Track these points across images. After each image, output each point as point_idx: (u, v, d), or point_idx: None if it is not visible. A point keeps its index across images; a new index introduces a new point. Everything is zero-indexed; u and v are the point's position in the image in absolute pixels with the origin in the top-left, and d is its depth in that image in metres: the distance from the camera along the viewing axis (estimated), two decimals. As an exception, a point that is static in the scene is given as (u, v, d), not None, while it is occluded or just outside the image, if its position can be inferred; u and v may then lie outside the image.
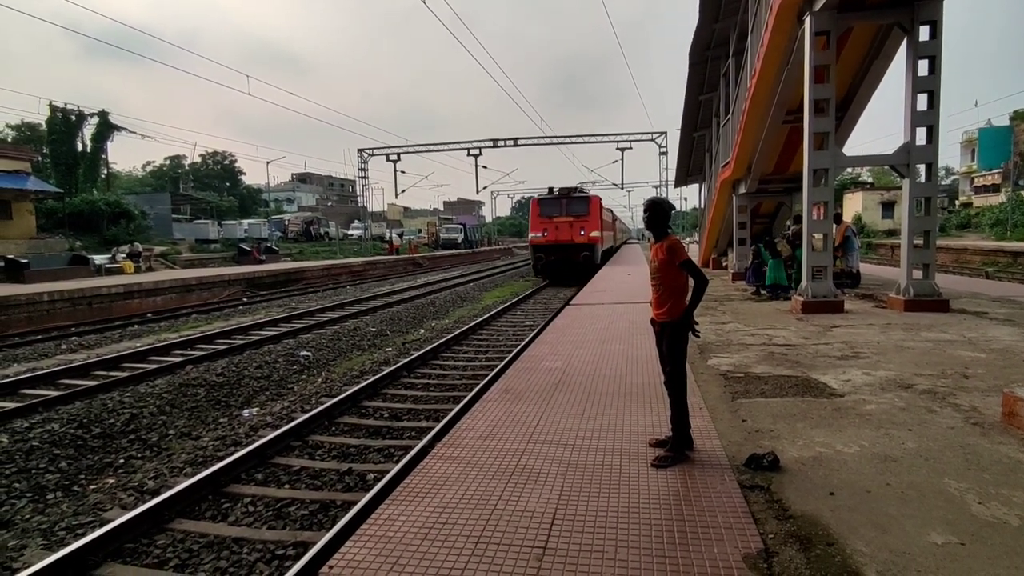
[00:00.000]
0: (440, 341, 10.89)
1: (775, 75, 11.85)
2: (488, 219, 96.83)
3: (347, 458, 5.77)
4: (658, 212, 4.06)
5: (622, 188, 52.51)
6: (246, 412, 7.53)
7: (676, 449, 3.92)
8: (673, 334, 3.94)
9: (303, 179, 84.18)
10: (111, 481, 5.54)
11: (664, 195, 56.45)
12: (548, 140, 40.65)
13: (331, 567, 2.75)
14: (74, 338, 13.20)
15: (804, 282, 10.54)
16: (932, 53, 9.72)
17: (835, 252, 13.70)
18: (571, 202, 23.03)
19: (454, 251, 52.56)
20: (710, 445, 4.13)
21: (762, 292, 13.36)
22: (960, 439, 4.12)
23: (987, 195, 46.41)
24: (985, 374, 5.81)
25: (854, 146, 57.40)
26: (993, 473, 3.55)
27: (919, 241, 10.25)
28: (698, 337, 4.05)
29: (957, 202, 53.10)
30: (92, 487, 5.43)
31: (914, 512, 3.11)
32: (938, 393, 5.23)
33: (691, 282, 3.94)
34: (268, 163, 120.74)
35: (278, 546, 4.10)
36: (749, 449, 3.99)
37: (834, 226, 13.93)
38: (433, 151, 42.57)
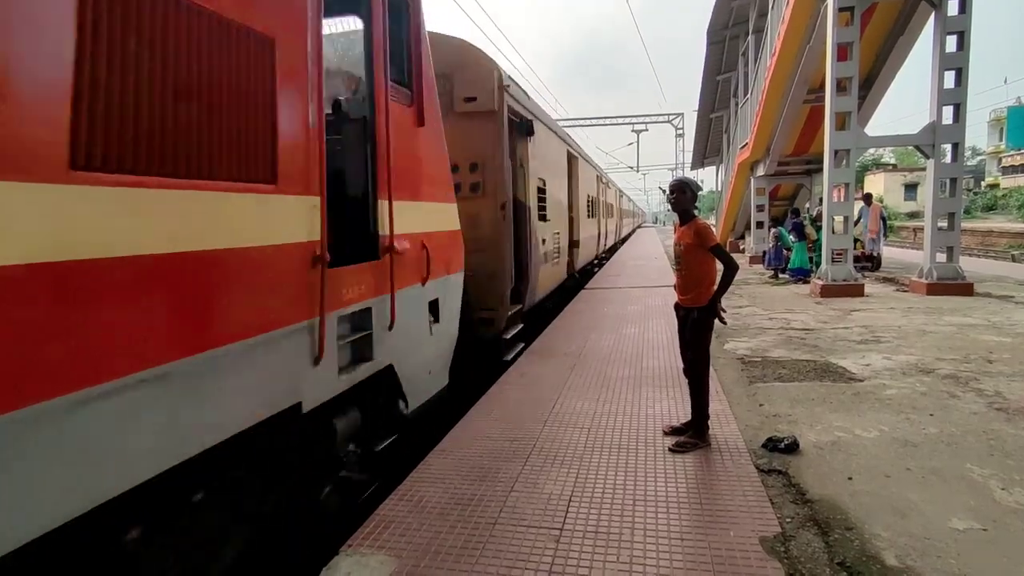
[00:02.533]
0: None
1: (796, 53, 11.58)
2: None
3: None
4: (686, 192, 3.93)
5: (637, 171, 52.06)
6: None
7: (697, 435, 3.89)
8: (699, 320, 3.89)
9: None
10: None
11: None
12: (564, 122, 40.29)
13: (349, 545, 2.80)
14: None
15: (824, 265, 10.39)
16: (961, 28, 9.41)
17: (872, 234, 13.52)
18: None
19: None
20: (727, 429, 4.12)
21: (781, 276, 13.18)
22: (983, 424, 4.05)
23: (1015, 176, 45.15)
24: (1010, 359, 5.69)
25: (877, 126, 55.92)
26: (1017, 459, 3.49)
27: (943, 223, 10.03)
28: (724, 324, 3.99)
29: (983, 183, 51.75)
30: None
31: (935, 498, 3.07)
32: (961, 378, 5.14)
33: (719, 267, 3.86)
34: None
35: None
36: (766, 434, 3.97)
37: (864, 207, 13.77)
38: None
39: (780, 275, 13.25)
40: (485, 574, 2.54)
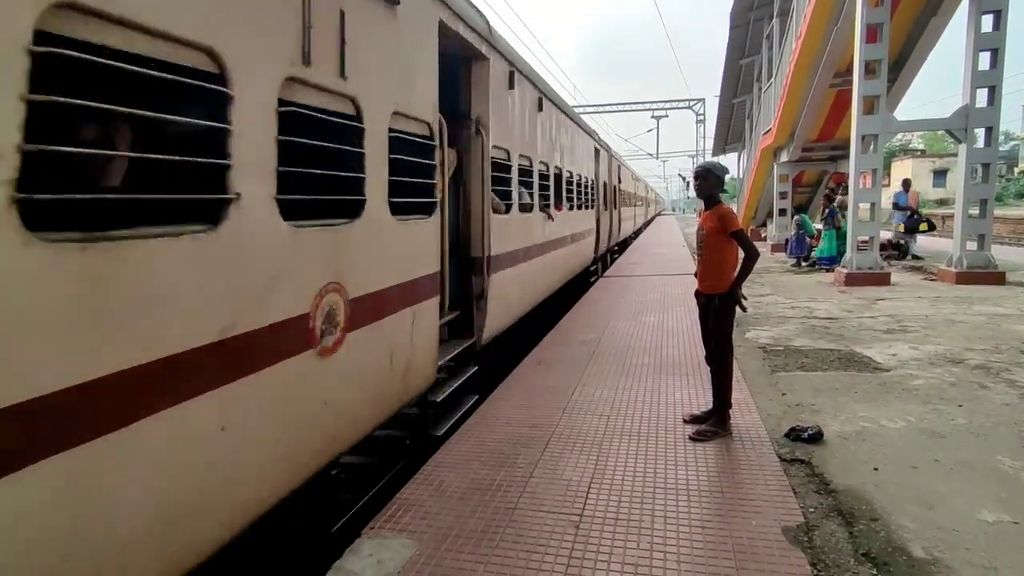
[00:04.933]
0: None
1: (822, 35, 11.27)
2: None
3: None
4: (709, 178, 3.89)
5: (657, 158, 51.44)
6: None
7: (718, 423, 3.85)
8: (720, 308, 3.83)
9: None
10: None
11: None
12: (582, 108, 39.90)
13: (371, 527, 2.84)
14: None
15: (848, 253, 10.18)
16: (998, 7, 9.07)
17: (917, 221, 13.26)
18: None
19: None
20: (749, 419, 4.07)
21: (803, 264, 12.95)
22: (1015, 416, 3.95)
23: (1050, 161, 43.61)
24: (1044, 349, 5.54)
25: (904, 110, 54.34)
26: (1051, 451, 3.40)
27: (974, 210, 9.74)
28: (744, 311, 3.93)
29: (1016, 169, 50.04)
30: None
31: (963, 489, 3.01)
32: (991, 368, 5.01)
33: (741, 254, 3.80)
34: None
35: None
36: (789, 423, 3.92)
37: (905, 193, 13.50)
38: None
39: (803, 264, 13.02)
40: (505, 558, 2.56)
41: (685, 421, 4.05)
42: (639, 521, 2.81)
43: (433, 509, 3.01)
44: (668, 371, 5.27)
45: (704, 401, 4.42)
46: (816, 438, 3.65)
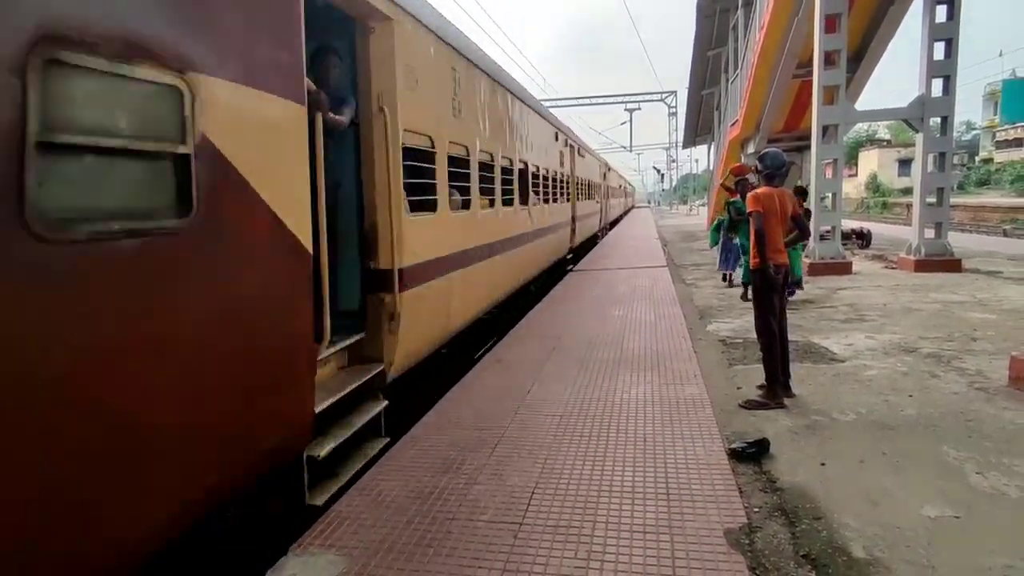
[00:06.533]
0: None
1: (785, 25, 11.32)
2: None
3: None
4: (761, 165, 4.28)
5: (631, 151, 51.64)
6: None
7: (767, 395, 4.14)
8: (753, 285, 4.37)
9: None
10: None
11: (673, 157, 55.14)
12: (552, 102, 39.78)
13: (299, 544, 2.69)
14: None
15: (811, 243, 10.25)
16: (951, -3, 9.17)
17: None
18: None
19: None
20: (702, 415, 4.00)
21: (733, 285, 8.41)
22: (962, 405, 3.96)
23: (1009, 150, 44.91)
24: (994, 336, 5.61)
25: (876, 100, 55.36)
26: (995, 441, 3.40)
27: (932, 199, 9.89)
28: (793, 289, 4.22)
29: (977, 158, 51.44)
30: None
31: (908, 483, 2.98)
32: (943, 357, 5.05)
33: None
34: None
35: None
36: (741, 419, 3.88)
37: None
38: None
39: (734, 286, 8.33)
40: (437, 573, 2.44)
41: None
42: (579, 528, 2.71)
43: (368, 521, 2.87)
44: (627, 367, 5.18)
45: (661, 396, 4.37)
46: (759, 454, 3.37)
